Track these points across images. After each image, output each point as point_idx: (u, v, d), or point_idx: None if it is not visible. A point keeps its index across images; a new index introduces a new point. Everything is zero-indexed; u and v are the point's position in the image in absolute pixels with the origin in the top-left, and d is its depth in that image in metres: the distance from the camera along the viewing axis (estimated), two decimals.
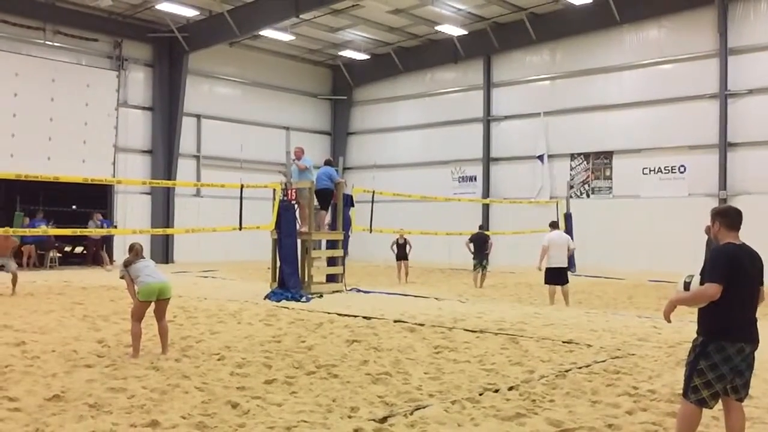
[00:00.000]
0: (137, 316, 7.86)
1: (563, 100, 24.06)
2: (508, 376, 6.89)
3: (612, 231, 22.20)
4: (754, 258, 4.46)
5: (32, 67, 21.55)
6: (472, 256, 17.41)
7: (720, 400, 4.47)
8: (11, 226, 19.56)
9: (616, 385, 6.51)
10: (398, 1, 22.07)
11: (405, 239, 18.70)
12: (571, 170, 24.05)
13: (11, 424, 5.14)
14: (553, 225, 14.22)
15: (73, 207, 23.05)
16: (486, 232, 17.92)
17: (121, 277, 8.08)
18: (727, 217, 4.52)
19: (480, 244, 17.34)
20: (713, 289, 4.27)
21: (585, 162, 23.77)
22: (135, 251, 8.20)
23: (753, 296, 4.42)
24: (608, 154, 23.22)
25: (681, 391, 4.61)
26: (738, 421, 4.51)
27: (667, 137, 21.66)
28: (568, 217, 21.80)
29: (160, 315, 8.02)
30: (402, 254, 18.53)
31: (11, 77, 21.03)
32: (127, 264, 8.04)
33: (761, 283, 4.49)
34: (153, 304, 7.92)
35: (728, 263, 4.33)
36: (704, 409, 4.52)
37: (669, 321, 4.70)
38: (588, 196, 23.54)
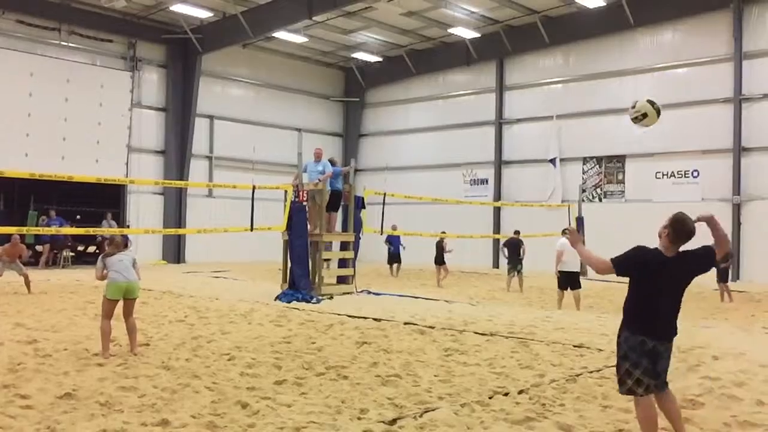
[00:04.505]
0: (105, 313, 7.83)
1: (576, 104, 23.98)
2: (518, 379, 6.86)
3: (624, 235, 21.80)
4: (680, 262, 4.63)
5: (47, 68, 21.74)
6: (507, 260, 17.35)
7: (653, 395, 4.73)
8: (26, 225, 19.77)
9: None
10: (411, 3, 22.10)
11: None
12: (583, 174, 23.96)
13: (23, 421, 5.18)
14: (565, 232, 14.23)
15: (84, 204, 23.19)
16: (520, 237, 17.76)
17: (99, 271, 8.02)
18: (673, 231, 4.63)
19: (514, 249, 17.25)
20: (603, 264, 4.71)
21: (597, 166, 23.68)
22: (115, 244, 8.13)
23: (668, 297, 4.65)
24: (621, 158, 23.12)
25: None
26: (668, 404, 4.82)
27: (680, 141, 21.54)
28: (579, 221, 21.68)
29: (126, 313, 7.95)
30: (441, 257, 18.44)
31: (26, 77, 21.22)
32: (105, 256, 7.99)
33: (687, 284, 4.74)
34: (121, 302, 7.91)
35: (633, 259, 4.63)
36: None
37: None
38: (600, 200, 23.45)
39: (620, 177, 23.18)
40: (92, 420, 5.23)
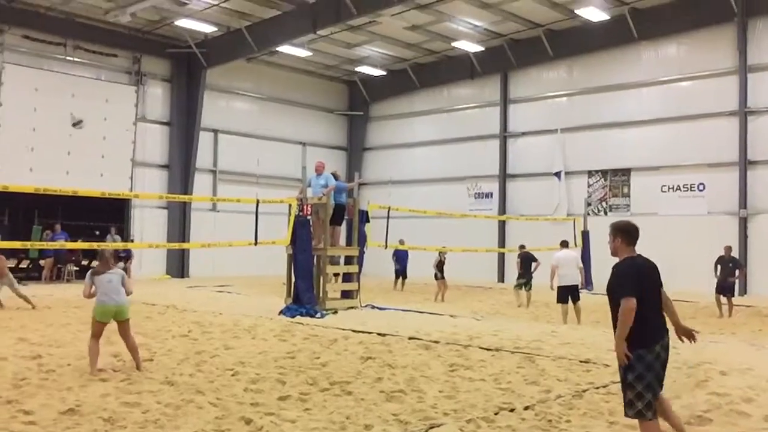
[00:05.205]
0: (93, 333, 7.76)
1: (581, 117, 23.98)
2: (523, 395, 6.80)
3: None
4: (651, 267, 4.89)
5: (52, 82, 21.84)
6: (519, 275, 17.09)
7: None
8: (30, 240, 19.81)
9: None
10: (415, 17, 22.17)
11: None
12: (588, 187, 23.92)
13: None
14: (564, 244, 14.25)
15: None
16: (530, 252, 17.59)
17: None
18: (628, 234, 4.92)
19: (527, 264, 17.03)
20: (631, 303, 4.62)
21: (603, 179, 23.64)
22: (104, 260, 8.02)
23: (658, 300, 4.84)
24: (626, 172, 23.09)
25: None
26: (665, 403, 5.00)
27: (685, 155, 21.50)
28: (585, 235, 21.64)
29: (123, 335, 7.89)
30: (442, 273, 18.28)
31: (31, 92, 21.31)
32: (94, 273, 7.88)
33: (661, 286, 4.94)
34: (116, 324, 7.84)
35: (635, 276, 4.73)
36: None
37: (627, 359, 4.75)
38: (606, 213, 23.37)
39: (626, 190, 23.14)
40: None
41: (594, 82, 23.75)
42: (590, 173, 23.92)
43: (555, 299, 13.75)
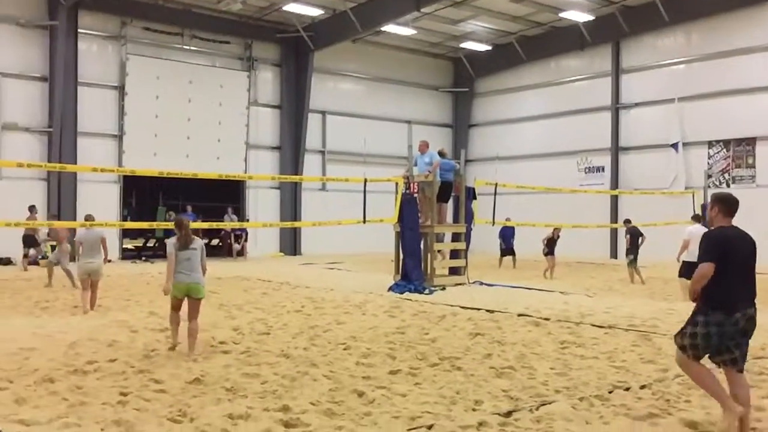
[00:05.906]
0: (172, 305, 7.83)
1: (700, 85, 22.68)
2: (639, 374, 6.62)
3: (756, 223, 20.20)
4: (743, 238, 4.87)
5: (171, 71, 22.98)
6: (627, 250, 16.48)
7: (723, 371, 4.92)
8: (155, 220, 21.10)
9: (760, 387, 6.09)
10: None
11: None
12: (708, 158, 22.66)
13: (157, 404, 5.54)
14: (696, 218, 13.59)
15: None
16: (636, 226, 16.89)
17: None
18: (726, 204, 4.92)
19: (634, 239, 16.41)
20: (706, 267, 4.69)
21: (724, 149, 22.31)
22: (183, 229, 7.62)
23: (746, 272, 4.80)
24: (751, 141, 21.68)
25: None
26: (742, 389, 4.85)
27: None
28: (705, 209, 20.55)
29: (190, 315, 7.64)
30: (552, 249, 17.86)
31: (153, 81, 22.52)
32: (176, 246, 7.61)
33: (754, 263, 4.87)
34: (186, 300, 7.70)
35: (718, 245, 4.74)
36: None
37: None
38: (728, 185, 22.07)
39: (750, 161, 21.74)
40: (219, 404, 5.51)
41: (715, 47, 22.36)
42: (711, 144, 22.63)
43: (672, 275, 13.17)
